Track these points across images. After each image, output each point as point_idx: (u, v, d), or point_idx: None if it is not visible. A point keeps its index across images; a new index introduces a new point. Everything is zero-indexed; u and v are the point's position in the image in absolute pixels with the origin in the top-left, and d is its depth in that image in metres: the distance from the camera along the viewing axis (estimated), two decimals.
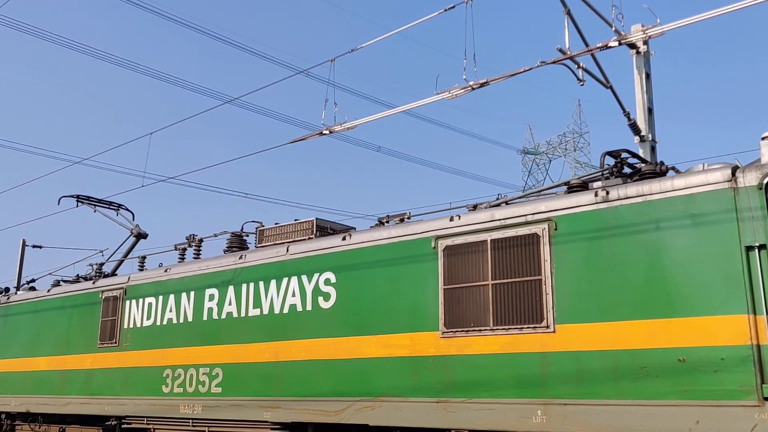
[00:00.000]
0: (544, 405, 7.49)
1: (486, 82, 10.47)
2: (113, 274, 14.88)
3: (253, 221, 11.99)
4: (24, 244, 22.32)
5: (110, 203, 15.79)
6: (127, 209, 15.75)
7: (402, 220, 9.81)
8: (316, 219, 10.79)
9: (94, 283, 13.81)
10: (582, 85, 10.60)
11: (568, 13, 10.13)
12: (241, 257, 11.09)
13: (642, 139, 11.96)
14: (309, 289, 9.98)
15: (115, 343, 12.75)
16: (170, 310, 11.93)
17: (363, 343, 9.23)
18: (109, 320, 13.08)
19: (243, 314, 10.79)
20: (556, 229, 7.93)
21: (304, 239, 10.79)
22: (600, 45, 9.50)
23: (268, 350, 10.31)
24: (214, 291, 11.32)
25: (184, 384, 11.42)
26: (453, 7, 10.60)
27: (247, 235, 12.49)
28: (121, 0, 29.88)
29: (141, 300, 12.56)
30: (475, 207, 9.17)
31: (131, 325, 12.64)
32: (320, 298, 9.84)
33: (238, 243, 12.25)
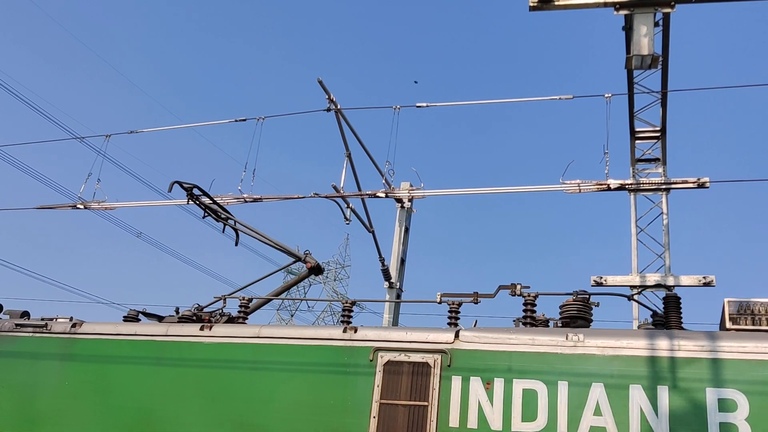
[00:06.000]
0: None
1: (260, 198, 10.69)
2: (242, 317, 9.34)
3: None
4: None
5: (220, 211, 11.12)
6: (235, 228, 11.44)
7: None
8: None
9: (346, 331, 8.05)
10: (348, 223, 11.25)
11: (349, 156, 10.87)
12: None
13: (391, 285, 12.81)
14: None
15: None
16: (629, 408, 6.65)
17: None
18: (406, 406, 7.32)
19: None
20: None
21: None
22: (370, 192, 10.26)
23: None
24: None
25: None
26: (245, 119, 10.87)
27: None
28: None
29: (498, 380, 7.09)
30: None
31: (469, 424, 7.04)
32: None
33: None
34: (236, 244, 11.68)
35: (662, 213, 12.15)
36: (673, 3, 8.04)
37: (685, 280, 11.22)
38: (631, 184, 10.25)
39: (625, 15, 8.40)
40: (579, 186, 9.40)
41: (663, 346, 6.65)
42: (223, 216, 11.02)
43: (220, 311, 9.50)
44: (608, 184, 9.45)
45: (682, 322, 7.44)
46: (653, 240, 12.24)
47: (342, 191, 10.57)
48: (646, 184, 10.93)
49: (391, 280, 12.82)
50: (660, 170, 12.42)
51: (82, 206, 11.27)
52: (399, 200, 12.88)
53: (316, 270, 10.56)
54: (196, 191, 10.57)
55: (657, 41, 9.77)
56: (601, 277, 10.95)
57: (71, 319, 9.25)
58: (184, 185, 10.65)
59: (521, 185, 9.92)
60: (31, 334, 9.03)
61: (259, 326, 8.28)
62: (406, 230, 13.25)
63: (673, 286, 10.86)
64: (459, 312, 8.11)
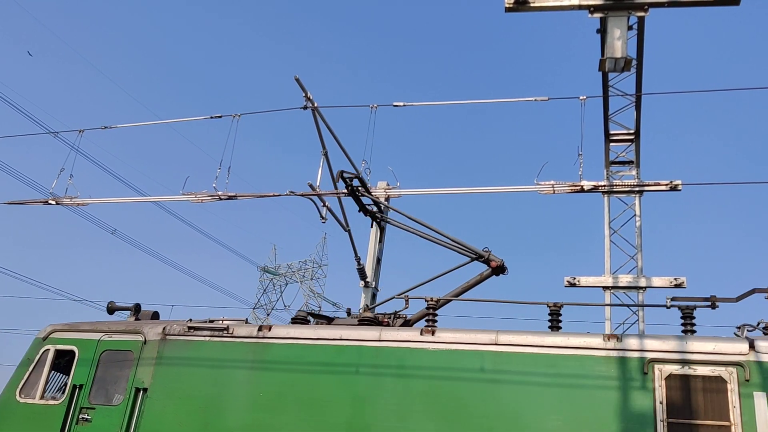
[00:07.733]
0: None
1: (234, 196, 10.62)
2: (432, 319, 8.21)
3: None
4: None
5: (370, 204, 10.13)
6: (380, 221, 10.18)
7: None
8: None
9: (608, 339, 6.93)
10: (324, 222, 11.20)
11: (325, 155, 10.83)
12: None
13: (366, 285, 12.78)
14: None
15: None
16: None
17: None
18: (702, 426, 6.20)
19: None
20: None
21: None
22: (345, 191, 10.22)
23: None
24: None
25: None
26: (220, 116, 10.80)
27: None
28: None
29: None
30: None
31: None
32: None
33: None
34: (380, 241, 11.53)
35: (635, 215, 12.30)
36: (646, 7, 8.13)
37: (656, 281, 11.37)
38: (604, 185, 10.35)
39: (600, 18, 8.48)
40: (553, 187, 9.48)
41: None
42: (372, 211, 10.29)
43: (397, 313, 8.68)
44: (582, 186, 9.53)
45: None
46: (626, 242, 12.38)
47: (318, 189, 10.53)
48: (619, 186, 11.05)
49: (367, 279, 12.80)
50: (633, 173, 12.56)
51: (53, 202, 11.11)
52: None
53: (500, 269, 9.54)
54: (356, 182, 9.78)
55: (631, 44, 9.89)
56: (575, 278, 11.06)
57: (246, 321, 8.42)
58: (344, 175, 9.83)
59: (497, 185, 9.99)
60: (208, 339, 8.08)
61: (496, 332, 7.28)
62: (383, 229, 13.24)
63: (645, 288, 11.00)
64: (694, 317, 7.16)
